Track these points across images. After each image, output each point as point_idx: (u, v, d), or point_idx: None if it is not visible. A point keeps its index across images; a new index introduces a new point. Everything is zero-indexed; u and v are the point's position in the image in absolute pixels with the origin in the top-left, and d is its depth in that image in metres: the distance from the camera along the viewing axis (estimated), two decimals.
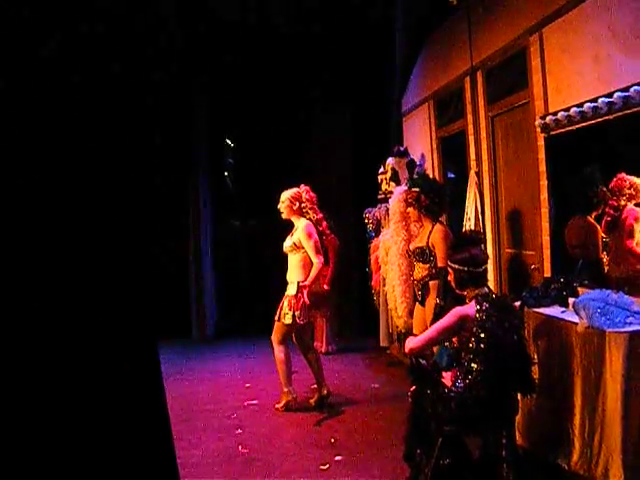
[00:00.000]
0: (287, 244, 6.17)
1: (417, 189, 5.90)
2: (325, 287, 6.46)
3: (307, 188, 6.29)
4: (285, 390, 6.15)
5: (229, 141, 11.31)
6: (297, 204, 6.17)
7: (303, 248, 6.05)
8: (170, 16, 7.61)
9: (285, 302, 6.06)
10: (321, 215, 6.35)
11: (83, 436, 1.59)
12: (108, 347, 1.65)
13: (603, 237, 4.86)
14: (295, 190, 6.23)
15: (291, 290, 6.06)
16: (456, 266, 4.02)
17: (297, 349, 6.35)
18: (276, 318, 6.12)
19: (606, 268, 4.86)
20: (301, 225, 6.12)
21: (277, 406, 6.17)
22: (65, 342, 1.59)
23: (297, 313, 5.95)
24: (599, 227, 4.85)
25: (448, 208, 6.36)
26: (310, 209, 6.22)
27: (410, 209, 6.01)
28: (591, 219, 4.90)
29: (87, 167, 1.70)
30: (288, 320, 5.98)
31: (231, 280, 10.82)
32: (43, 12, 1.65)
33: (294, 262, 6.14)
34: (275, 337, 6.14)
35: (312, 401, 6.27)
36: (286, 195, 6.19)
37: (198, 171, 10.39)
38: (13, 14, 1.59)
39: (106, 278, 1.68)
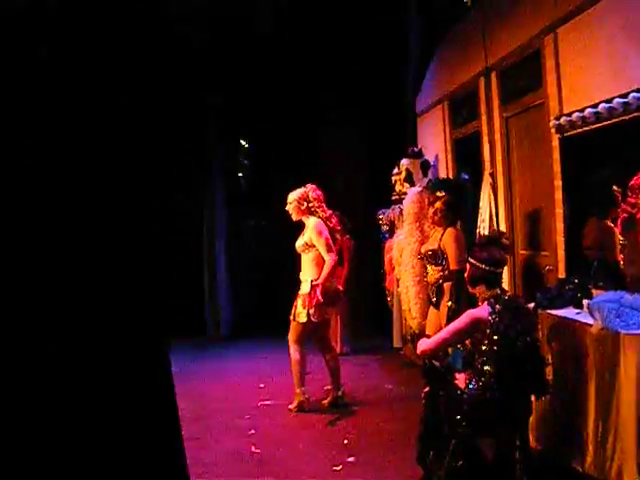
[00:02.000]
0: (299, 243, 6.18)
1: (443, 193, 5.77)
2: (340, 288, 6.46)
3: (314, 187, 6.27)
4: (297, 391, 6.15)
5: (243, 142, 11.34)
6: (305, 204, 6.17)
7: (315, 246, 6.05)
8: (185, 19, 7.64)
9: (299, 301, 6.07)
10: (330, 212, 6.34)
11: (91, 436, 1.60)
12: (117, 346, 1.66)
13: (620, 240, 4.83)
14: (302, 190, 6.22)
15: (305, 288, 6.06)
16: (474, 262, 4.04)
17: (314, 350, 6.36)
18: (291, 317, 6.13)
19: (622, 267, 4.83)
20: (311, 224, 6.12)
21: (290, 407, 6.17)
22: (74, 341, 1.60)
23: (311, 311, 5.96)
24: (616, 230, 4.83)
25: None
26: (318, 207, 6.21)
27: (440, 215, 5.75)
28: (608, 222, 4.88)
29: (101, 166, 1.72)
30: (302, 319, 5.99)
31: (246, 280, 10.85)
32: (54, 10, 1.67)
33: (307, 261, 6.15)
34: (291, 337, 6.16)
35: (325, 402, 6.28)
36: (293, 196, 6.20)
37: (213, 172, 10.44)
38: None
39: (117, 277, 1.69)
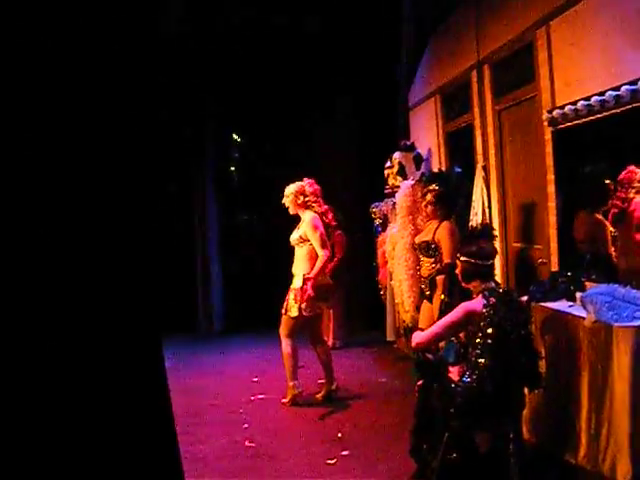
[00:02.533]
0: (294, 237, 6.18)
1: (436, 186, 5.77)
2: (330, 282, 6.48)
3: (311, 181, 6.30)
4: (290, 384, 6.16)
5: (235, 136, 11.32)
6: (301, 198, 6.18)
7: (309, 241, 6.06)
8: (179, 14, 7.60)
9: (291, 295, 6.07)
10: (326, 207, 6.36)
11: (85, 432, 1.59)
12: (110, 341, 1.65)
13: (612, 232, 4.83)
14: (299, 184, 6.24)
15: (297, 283, 6.07)
16: (464, 258, 4.04)
17: (306, 343, 6.36)
18: (283, 311, 6.13)
19: (614, 260, 4.84)
20: (307, 218, 6.13)
21: (284, 400, 6.18)
22: (68, 337, 1.59)
23: (303, 306, 5.97)
24: (607, 223, 4.83)
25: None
26: (314, 202, 6.23)
27: (431, 207, 5.79)
28: (599, 215, 4.88)
29: (93, 162, 1.71)
30: (294, 313, 6.00)
31: (238, 274, 10.84)
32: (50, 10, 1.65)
33: (300, 255, 6.15)
34: (282, 331, 6.16)
35: (319, 395, 6.28)
36: (290, 190, 6.21)
37: (204, 166, 10.43)
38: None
39: (110, 272, 1.68)
